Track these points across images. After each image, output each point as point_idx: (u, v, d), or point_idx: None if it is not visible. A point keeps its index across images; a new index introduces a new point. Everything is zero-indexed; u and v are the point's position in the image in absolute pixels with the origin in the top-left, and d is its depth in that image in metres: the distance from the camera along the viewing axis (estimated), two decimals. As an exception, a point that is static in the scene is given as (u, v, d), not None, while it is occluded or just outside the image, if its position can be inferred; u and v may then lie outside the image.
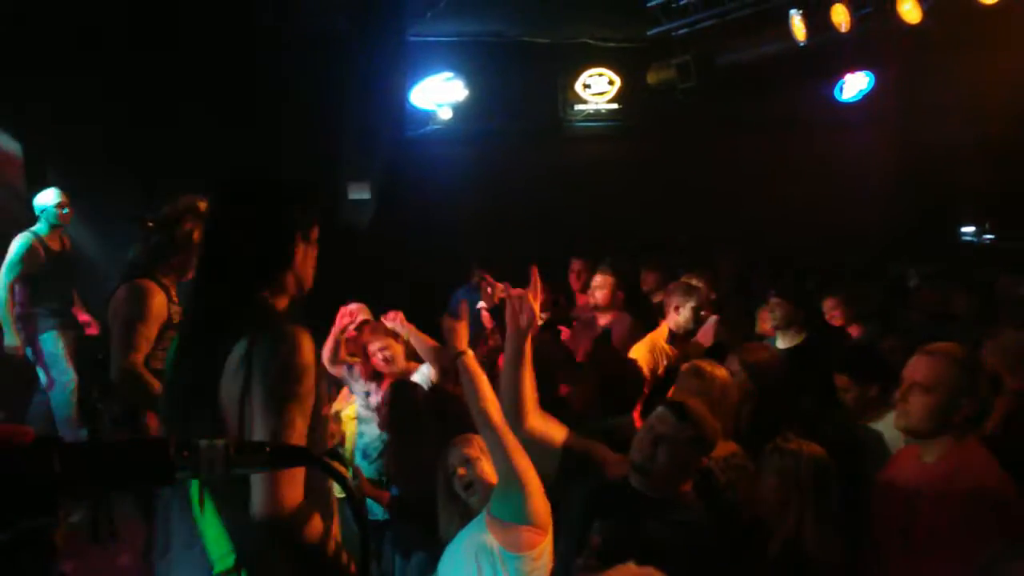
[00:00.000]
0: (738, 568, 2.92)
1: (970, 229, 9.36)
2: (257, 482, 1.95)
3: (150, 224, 4.20)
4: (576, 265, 7.87)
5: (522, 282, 6.31)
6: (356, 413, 4.71)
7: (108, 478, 1.02)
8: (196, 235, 3.99)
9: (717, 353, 4.74)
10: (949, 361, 2.82)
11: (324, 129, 7.84)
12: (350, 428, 4.75)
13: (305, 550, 2.00)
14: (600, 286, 5.92)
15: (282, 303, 2.31)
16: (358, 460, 4.54)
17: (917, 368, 2.85)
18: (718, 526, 2.89)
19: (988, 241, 9.03)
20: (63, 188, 6.61)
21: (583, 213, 9.22)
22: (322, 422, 2.22)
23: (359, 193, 8.11)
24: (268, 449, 1.15)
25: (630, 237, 8.79)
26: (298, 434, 2.05)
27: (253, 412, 2.04)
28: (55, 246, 6.59)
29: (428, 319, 5.84)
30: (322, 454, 1.95)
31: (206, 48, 7.31)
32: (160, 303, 3.95)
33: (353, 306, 4.89)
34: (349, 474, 3.99)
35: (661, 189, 9.43)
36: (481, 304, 5.83)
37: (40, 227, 6.54)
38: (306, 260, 2.34)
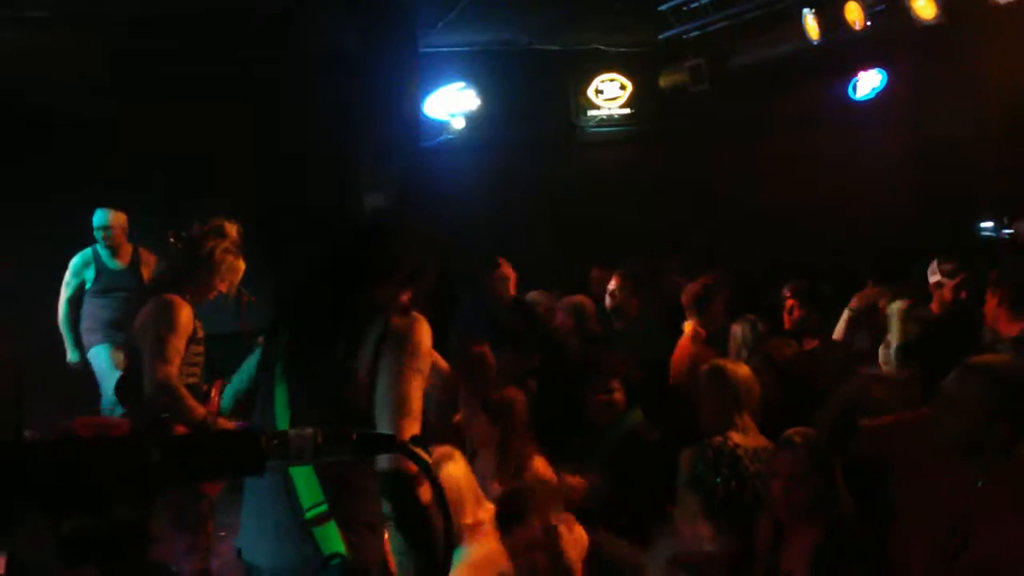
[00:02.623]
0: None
1: (989, 225, 9.31)
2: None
3: (173, 241, 4.26)
4: (596, 273, 7.89)
5: (540, 285, 6.30)
6: None
7: (202, 468, 1.05)
8: (218, 254, 4.07)
9: None
10: (980, 376, 2.74)
11: (342, 142, 7.90)
12: None
13: (415, 508, 2.24)
14: (619, 288, 5.96)
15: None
16: None
17: (953, 385, 2.76)
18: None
19: (1007, 236, 8.98)
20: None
21: (599, 219, 9.23)
22: None
23: (376, 203, 8.14)
24: (354, 437, 1.17)
25: (648, 241, 8.80)
26: (417, 406, 2.43)
27: (382, 385, 2.42)
28: (122, 261, 6.68)
29: (443, 326, 5.89)
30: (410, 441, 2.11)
31: (225, 67, 7.39)
32: (188, 317, 4.00)
33: None
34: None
35: (676, 192, 9.43)
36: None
37: (98, 244, 6.79)
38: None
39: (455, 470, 3.04)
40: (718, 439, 3.59)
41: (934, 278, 5.12)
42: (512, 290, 6.36)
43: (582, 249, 8.63)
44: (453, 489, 2.98)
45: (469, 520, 2.99)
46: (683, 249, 8.68)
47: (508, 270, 6.40)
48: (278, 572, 2.50)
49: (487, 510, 3.11)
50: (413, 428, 2.39)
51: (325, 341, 2.59)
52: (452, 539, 1.93)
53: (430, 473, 1.28)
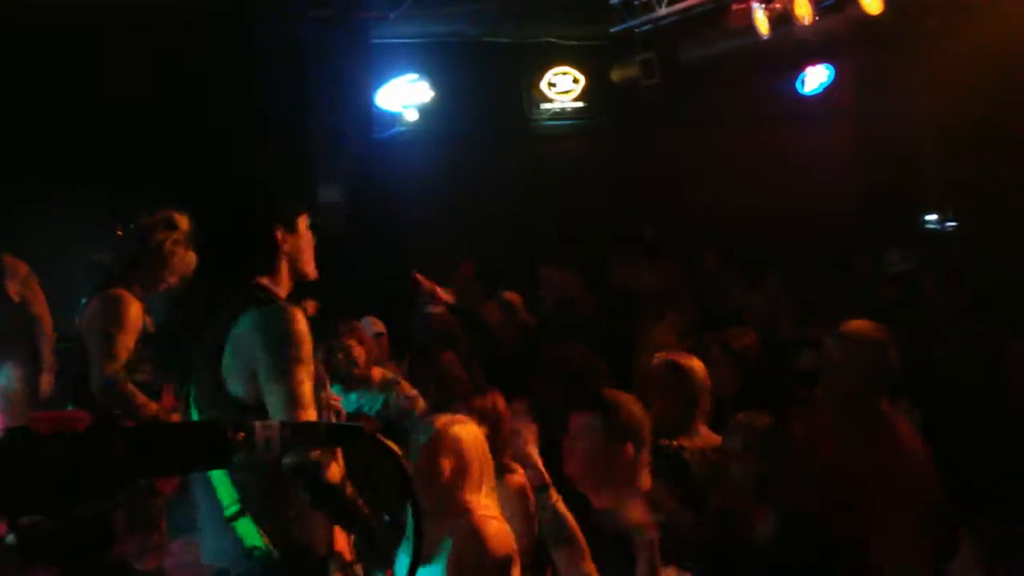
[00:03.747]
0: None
1: (933, 217, 9.53)
2: None
3: (121, 233, 4.17)
4: (549, 268, 7.92)
5: (502, 281, 6.31)
6: None
7: (167, 462, 1.02)
8: (167, 246, 3.99)
9: None
10: (855, 342, 3.03)
11: (293, 133, 7.80)
12: None
13: (326, 490, 2.20)
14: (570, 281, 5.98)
15: (283, 290, 2.64)
16: None
17: (830, 350, 3.09)
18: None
19: (951, 228, 9.21)
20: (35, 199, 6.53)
21: (552, 211, 9.26)
22: (321, 400, 2.50)
23: (330, 195, 8.07)
24: (323, 428, 1.15)
25: (599, 233, 8.86)
26: (308, 395, 2.35)
27: (264, 380, 2.35)
28: None
29: (397, 321, 5.87)
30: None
31: (174, 55, 7.25)
32: (136, 312, 3.91)
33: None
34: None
35: (629, 185, 9.50)
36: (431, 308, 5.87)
37: None
38: (298, 248, 2.69)
39: (463, 432, 2.93)
40: (664, 442, 3.52)
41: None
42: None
43: (535, 241, 8.66)
44: (457, 449, 2.88)
45: (477, 486, 2.87)
46: (634, 241, 8.74)
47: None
48: (213, 566, 2.56)
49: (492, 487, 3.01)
50: (307, 419, 2.36)
51: (198, 338, 2.60)
52: (418, 513, 1.92)
53: (400, 462, 1.26)
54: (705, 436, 3.60)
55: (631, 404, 2.87)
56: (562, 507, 2.63)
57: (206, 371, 2.51)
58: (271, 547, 2.43)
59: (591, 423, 2.79)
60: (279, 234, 2.64)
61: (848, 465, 2.97)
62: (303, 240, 2.72)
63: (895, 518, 2.84)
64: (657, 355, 4.14)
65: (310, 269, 2.76)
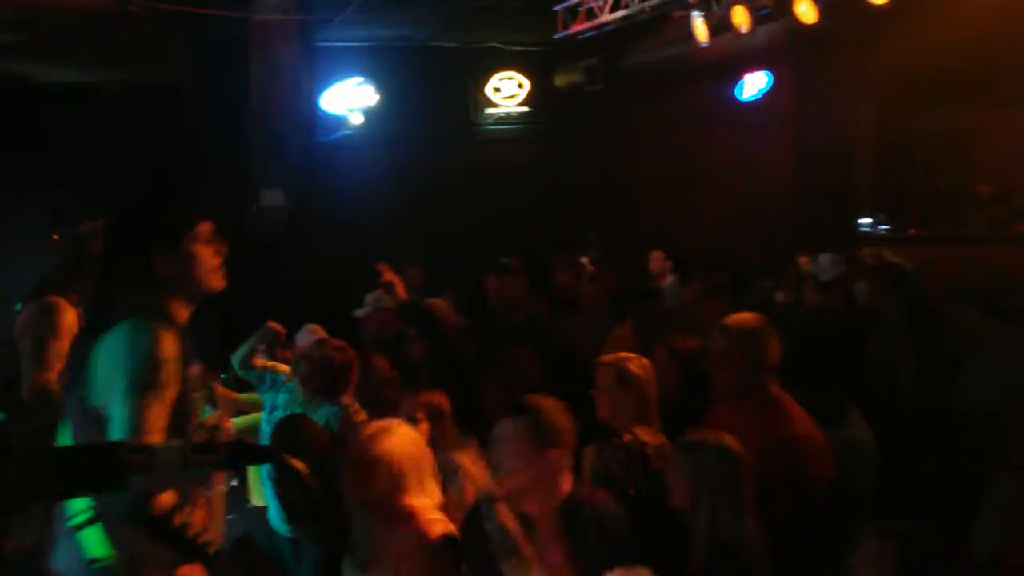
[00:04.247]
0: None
1: (867, 221, 9.78)
2: None
3: (57, 239, 4.12)
4: (493, 274, 7.95)
5: (441, 287, 6.33)
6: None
7: (62, 487, 1.01)
8: None
9: None
10: (735, 334, 3.24)
11: (235, 136, 7.75)
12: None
13: (153, 521, 2.09)
14: (512, 286, 6.01)
15: (179, 306, 2.49)
16: (269, 496, 4.49)
17: (714, 343, 3.31)
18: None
19: (884, 231, 9.46)
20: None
21: (499, 215, 9.32)
22: (188, 422, 2.34)
23: (272, 199, 8.03)
24: (224, 449, 1.16)
25: (544, 237, 8.94)
26: (152, 423, 2.19)
27: (112, 398, 2.21)
28: None
29: (342, 325, 5.86)
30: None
31: (113, 55, 7.16)
32: (71, 319, 3.86)
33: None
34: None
35: (573, 189, 9.60)
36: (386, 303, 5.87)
37: None
38: (186, 264, 2.49)
39: (391, 441, 2.90)
40: (628, 437, 3.55)
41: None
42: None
43: (481, 245, 8.69)
44: (386, 460, 2.87)
45: (412, 499, 2.84)
46: (579, 245, 8.83)
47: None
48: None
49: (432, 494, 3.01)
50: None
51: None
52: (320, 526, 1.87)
53: (303, 480, 1.28)
54: (656, 432, 3.67)
55: (555, 410, 2.90)
56: (505, 518, 2.65)
57: (74, 383, 2.40)
58: (118, 559, 2.29)
59: (516, 429, 2.82)
60: (156, 252, 2.45)
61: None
62: (196, 254, 2.51)
63: (778, 500, 2.95)
64: (606, 356, 4.21)
65: (210, 283, 2.55)
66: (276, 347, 4.98)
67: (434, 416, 3.83)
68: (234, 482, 5.12)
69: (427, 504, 2.88)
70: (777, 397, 3.25)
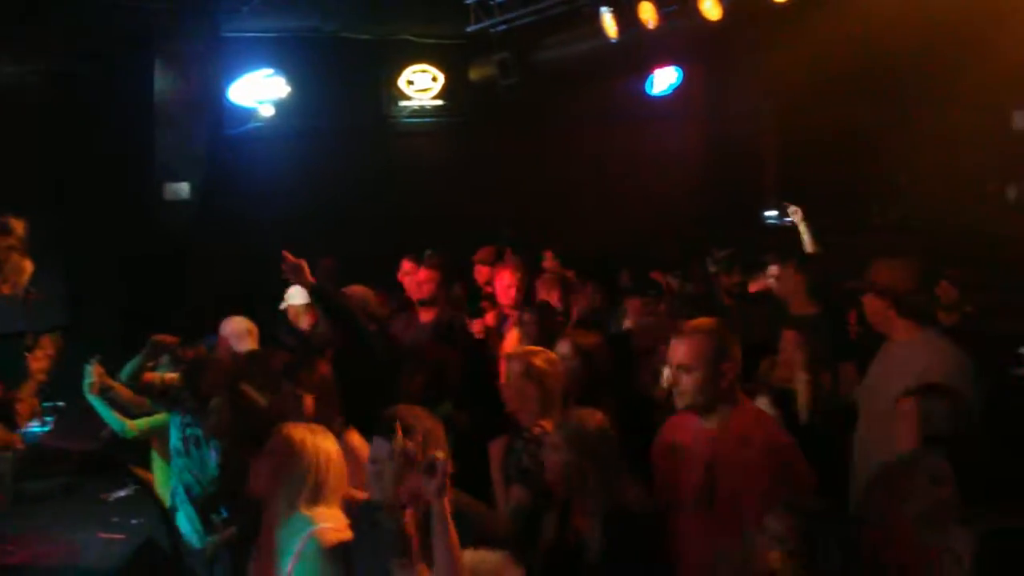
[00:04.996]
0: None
1: (773, 213, 10.04)
2: None
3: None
4: (407, 266, 7.92)
5: (356, 280, 6.30)
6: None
7: None
8: (1, 253, 3.86)
9: None
10: (700, 337, 3.11)
11: (138, 127, 7.54)
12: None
13: None
14: (425, 280, 6.00)
15: None
16: (180, 502, 4.42)
17: (676, 352, 3.13)
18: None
19: (789, 223, 9.71)
20: None
21: (413, 210, 9.27)
22: None
23: (177, 193, 7.84)
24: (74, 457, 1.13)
25: (460, 232, 8.93)
26: None
27: None
28: None
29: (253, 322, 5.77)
30: None
31: (11, 45, 6.89)
32: None
33: None
34: None
35: (489, 184, 9.61)
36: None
37: None
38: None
39: (297, 441, 2.93)
40: (537, 430, 3.62)
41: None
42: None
43: (397, 239, 8.64)
44: (289, 457, 2.90)
45: (314, 497, 2.88)
46: (494, 239, 8.85)
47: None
48: None
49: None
50: None
51: None
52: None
53: (151, 491, 1.25)
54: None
55: (424, 417, 2.95)
56: (401, 524, 2.66)
57: None
58: None
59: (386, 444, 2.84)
60: None
61: (698, 454, 3.13)
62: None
63: (744, 508, 2.97)
64: (514, 350, 4.24)
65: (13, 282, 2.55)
66: (175, 358, 4.90)
67: (322, 391, 3.83)
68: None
69: (333, 513, 2.90)
70: (746, 404, 3.20)
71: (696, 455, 3.12)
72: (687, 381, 3.09)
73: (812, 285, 5.05)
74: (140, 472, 3.83)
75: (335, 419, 3.76)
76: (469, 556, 2.20)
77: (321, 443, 2.94)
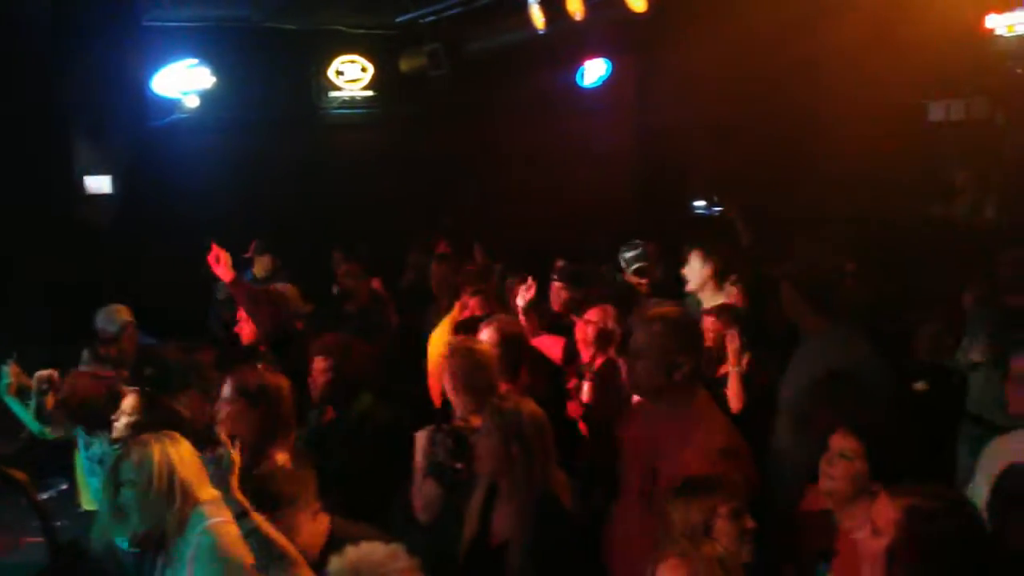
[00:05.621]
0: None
1: (701, 203, 10.23)
2: None
3: None
4: (339, 257, 7.88)
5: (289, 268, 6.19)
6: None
7: None
8: None
9: None
10: (658, 325, 3.00)
11: (57, 119, 7.32)
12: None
13: None
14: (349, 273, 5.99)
15: None
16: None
17: (633, 336, 3.05)
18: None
19: (717, 212, 9.91)
20: None
21: (346, 201, 9.21)
22: None
23: (98, 187, 7.64)
24: None
25: (393, 224, 8.90)
26: None
27: None
28: None
29: (176, 323, 5.68)
30: None
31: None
32: None
33: None
34: None
35: (421, 176, 9.58)
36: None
37: None
38: None
39: (161, 450, 2.86)
40: (458, 423, 3.64)
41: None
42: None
43: (328, 232, 8.58)
44: (166, 466, 2.84)
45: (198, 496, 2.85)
46: (427, 231, 8.84)
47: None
48: None
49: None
50: None
51: None
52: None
53: (27, 491, 1.24)
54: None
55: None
56: (266, 528, 2.66)
57: None
58: None
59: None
60: None
61: (644, 452, 3.06)
62: None
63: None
64: (450, 340, 4.24)
65: None
66: (96, 355, 4.79)
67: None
68: (63, 486, 4.90)
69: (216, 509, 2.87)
70: (701, 400, 3.08)
71: (643, 452, 3.05)
72: (639, 367, 3.02)
73: (722, 273, 5.02)
74: (14, 473, 3.73)
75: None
76: (355, 550, 2.18)
77: (170, 449, 2.89)
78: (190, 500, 2.81)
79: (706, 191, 10.22)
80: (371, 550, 2.18)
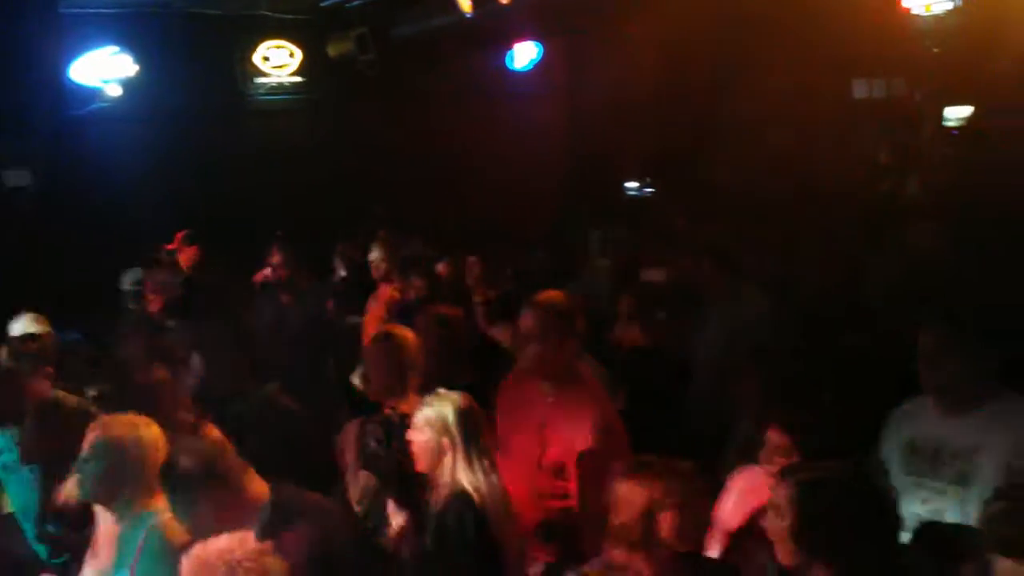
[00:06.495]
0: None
1: (634, 185, 10.32)
2: None
3: None
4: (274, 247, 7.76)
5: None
6: None
7: None
8: None
9: None
10: (546, 310, 3.31)
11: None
12: None
13: None
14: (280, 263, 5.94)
15: None
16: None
17: (524, 320, 3.35)
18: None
19: (649, 194, 10.01)
20: None
21: (277, 190, 9.08)
22: None
23: (16, 180, 7.43)
24: None
25: (324, 211, 8.80)
26: None
27: None
28: None
29: (98, 317, 5.57)
30: None
31: None
32: None
33: None
34: None
35: (351, 162, 9.47)
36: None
37: None
38: None
39: (122, 434, 2.89)
40: (388, 411, 3.64)
41: None
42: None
43: (257, 222, 8.45)
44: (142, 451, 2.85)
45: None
46: (361, 219, 8.75)
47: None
48: None
49: None
50: None
51: None
52: None
53: None
54: (413, 403, 3.73)
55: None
56: None
57: None
58: None
59: None
60: None
61: (533, 417, 3.31)
62: None
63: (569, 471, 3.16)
64: (374, 327, 4.23)
65: None
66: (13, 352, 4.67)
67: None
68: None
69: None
70: (584, 375, 3.42)
71: (531, 418, 3.32)
72: (531, 349, 3.28)
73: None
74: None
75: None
76: (217, 543, 2.17)
77: (144, 433, 2.86)
78: (143, 490, 2.77)
79: (639, 173, 10.30)
80: (237, 544, 2.17)
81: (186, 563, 2.16)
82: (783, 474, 2.51)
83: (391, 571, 3.20)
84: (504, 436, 3.42)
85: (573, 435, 3.19)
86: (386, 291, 5.90)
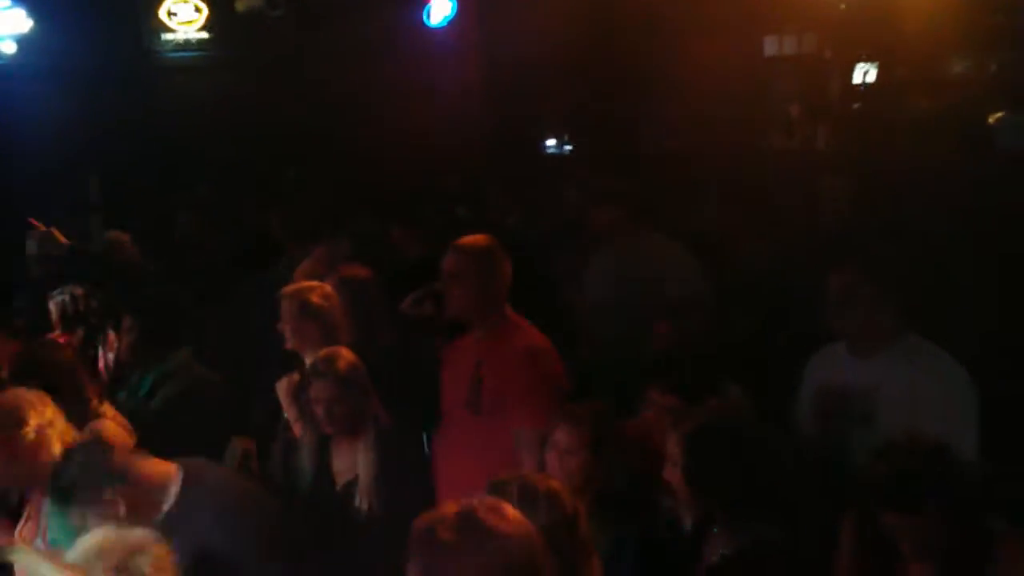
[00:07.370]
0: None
1: (552, 143, 10.32)
2: None
3: None
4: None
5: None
6: None
7: None
8: None
9: None
10: (471, 250, 3.33)
11: None
12: None
13: None
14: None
15: None
16: None
17: (447, 262, 3.34)
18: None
19: (568, 152, 10.03)
20: None
21: (183, 150, 8.81)
22: None
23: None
24: None
25: (234, 173, 8.59)
26: None
27: None
28: None
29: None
30: None
31: None
32: None
33: None
34: None
35: (261, 121, 9.23)
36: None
37: None
38: None
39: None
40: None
41: None
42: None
43: (163, 183, 8.21)
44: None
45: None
46: (272, 183, 8.57)
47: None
48: None
49: None
50: None
51: None
52: None
53: None
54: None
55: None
56: None
57: None
58: None
59: None
60: None
61: (467, 362, 3.35)
62: None
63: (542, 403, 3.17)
64: (288, 287, 4.15)
65: None
66: None
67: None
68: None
69: None
70: (511, 317, 3.41)
71: (466, 363, 3.35)
72: (457, 291, 3.30)
73: None
74: None
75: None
76: (97, 536, 2.12)
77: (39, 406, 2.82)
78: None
79: (556, 130, 10.30)
80: (120, 536, 2.11)
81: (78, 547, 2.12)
82: (672, 426, 2.58)
83: (334, 530, 3.20)
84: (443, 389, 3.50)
85: (506, 370, 3.23)
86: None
